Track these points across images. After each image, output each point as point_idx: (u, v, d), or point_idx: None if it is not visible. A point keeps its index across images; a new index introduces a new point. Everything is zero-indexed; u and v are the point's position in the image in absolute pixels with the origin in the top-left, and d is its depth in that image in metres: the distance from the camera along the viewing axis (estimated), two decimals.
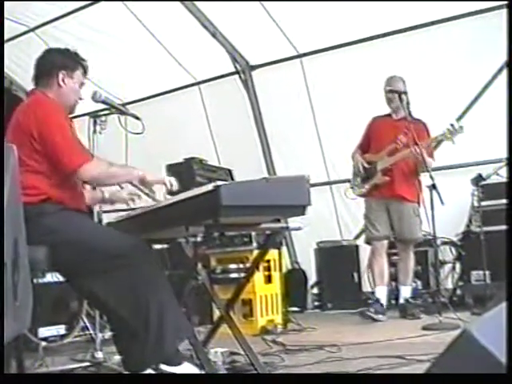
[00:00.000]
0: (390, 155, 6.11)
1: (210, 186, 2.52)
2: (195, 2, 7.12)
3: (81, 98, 3.44)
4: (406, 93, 6.05)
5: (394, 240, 6.33)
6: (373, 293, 6.35)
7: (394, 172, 6.12)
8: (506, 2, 5.80)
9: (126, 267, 2.93)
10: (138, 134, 3.43)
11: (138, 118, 3.45)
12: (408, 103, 6.05)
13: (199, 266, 3.43)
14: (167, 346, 2.92)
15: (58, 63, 3.35)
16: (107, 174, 3.16)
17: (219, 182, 2.49)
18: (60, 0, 7.09)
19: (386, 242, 6.24)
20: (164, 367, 2.95)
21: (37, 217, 2.91)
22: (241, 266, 5.74)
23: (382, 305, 6.13)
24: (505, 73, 6.61)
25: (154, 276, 2.99)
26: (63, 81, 3.33)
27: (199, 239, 3.16)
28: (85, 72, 3.47)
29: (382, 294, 6.20)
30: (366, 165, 6.25)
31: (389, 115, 6.32)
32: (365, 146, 6.40)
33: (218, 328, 3.57)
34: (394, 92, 6.02)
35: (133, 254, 2.96)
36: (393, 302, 6.57)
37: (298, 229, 3.02)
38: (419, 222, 6.09)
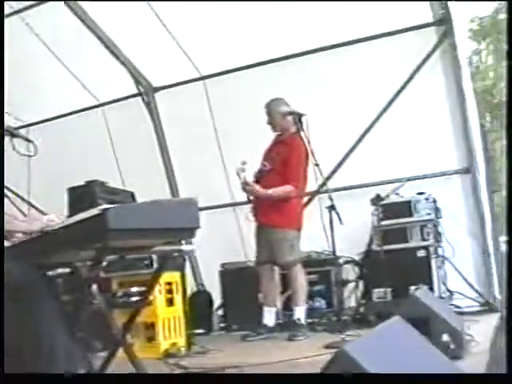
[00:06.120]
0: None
1: (96, 210, 2.49)
2: (94, 20, 6.98)
3: None
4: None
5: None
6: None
7: (260, 199, 6.24)
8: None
9: (14, 298, 2.79)
10: (29, 156, 3.35)
11: (29, 141, 3.39)
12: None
13: (94, 289, 3.39)
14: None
15: None
16: None
17: (106, 205, 2.46)
18: None
19: (269, 265, 6.32)
20: None
21: None
22: (143, 289, 5.67)
23: (265, 326, 6.24)
24: (402, 96, 6.84)
25: (43, 306, 2.86)
26: None
27: (101, 263, 3.11)
28: None
29: (267, 315, 6.31)
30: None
31: None
32: None
33: (114, 353, 3.51)
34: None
35: (22, 285, 2.83)
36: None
37: (191, 252, 3.02)
38: (288, 246, 6.10)
